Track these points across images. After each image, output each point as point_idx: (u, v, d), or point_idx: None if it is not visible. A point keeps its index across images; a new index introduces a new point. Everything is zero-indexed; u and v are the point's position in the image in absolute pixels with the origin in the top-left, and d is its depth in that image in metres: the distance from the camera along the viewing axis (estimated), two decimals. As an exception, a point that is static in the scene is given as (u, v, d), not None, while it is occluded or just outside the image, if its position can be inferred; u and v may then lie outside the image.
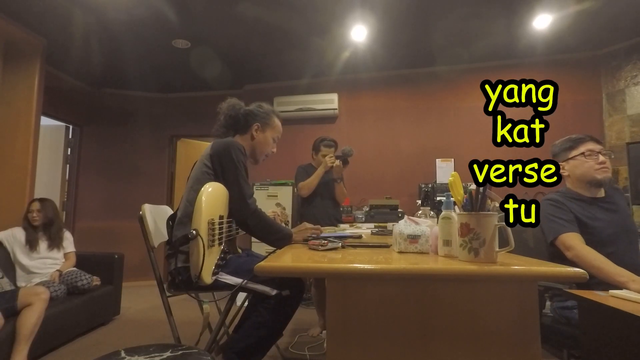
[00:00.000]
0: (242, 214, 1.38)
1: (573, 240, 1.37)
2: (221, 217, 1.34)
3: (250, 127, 1.60)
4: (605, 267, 1.24)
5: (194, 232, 1.18)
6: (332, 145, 2.64)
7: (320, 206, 2.61)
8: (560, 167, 1.57)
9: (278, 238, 1.40)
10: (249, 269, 1.39)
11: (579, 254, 1.32)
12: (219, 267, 1.35)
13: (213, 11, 2.77)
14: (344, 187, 2.64)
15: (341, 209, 3.69)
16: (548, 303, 1.49)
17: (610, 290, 1.01)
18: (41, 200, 2.64)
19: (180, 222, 1.38)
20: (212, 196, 1.28)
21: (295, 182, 2.63)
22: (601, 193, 1.52)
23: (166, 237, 1.45)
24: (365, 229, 1.99)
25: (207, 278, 1.24)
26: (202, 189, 1.25)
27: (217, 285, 1.34)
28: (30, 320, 1.96)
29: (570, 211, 1.44)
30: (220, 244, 1.34)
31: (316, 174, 2.53)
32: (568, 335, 1.32)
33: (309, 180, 2.54)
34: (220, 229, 1.33)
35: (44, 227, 2.59)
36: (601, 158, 1.46)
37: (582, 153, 1.50)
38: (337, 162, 2.46)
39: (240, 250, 1.52)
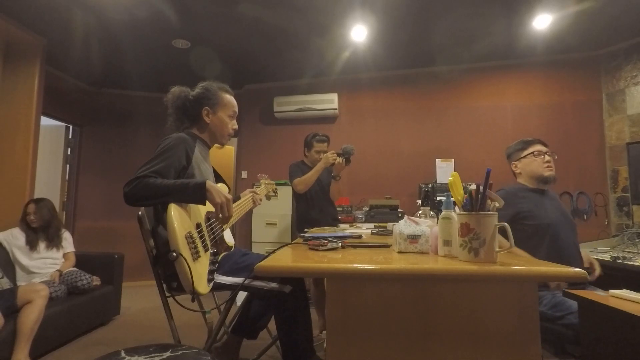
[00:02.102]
0: (124, 188, 1.22)
1: None
2: (198, 225, 1.30)
3: (201, 113, 1.51)
4: None
5: (174, 254, 1.13)
6: (324, 140, 2.60)
7: (317, 206, 2.55)
8: (513, 165, 1.82)
9: (179, 190, 1.22)
10: (244, 267, 1.38)
11: None
12: (213, 272, 1.33)
13: (213, 11, 2.77)
14: (340, 186, 2.58)
15: (340, 208, 3.70)
16: None
17: (610, 290, 1.01)
18: (37, 201, 2.61)
19: (158, 236, 1.32)
20: (181, 211, 1.22)
21: (290, 178, 2.53)
22: (545, 188, 1.76)
23: None
24: (365, 229, 1.99)
25: (203, 289, 1.22)
26: (167, 212, 1.18)
27: (215, 287, 1.34)
28: (31, 318, 1.97)
29: (515, 205, 1.62)
30: (206, 250, 1.30)
31: (315, 170, 2.42)
32: (567, 335, 1.32)
33: (307, 176, 2.43)
34: (202, 236, 1.29)
35: (42, 229, 2.58)
36: (547, 158, 1.71)
37: (532, 153, 1.73)
38: (340, 159, 2.38)
39: (231, 245, 1.48)
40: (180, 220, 1.20)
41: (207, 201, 1.27)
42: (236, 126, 1.61)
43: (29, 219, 2.54)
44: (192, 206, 1.31)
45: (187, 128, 1.54)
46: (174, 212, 1.19)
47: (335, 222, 2.58)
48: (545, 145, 1.77)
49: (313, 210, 2.54)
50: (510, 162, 1.85)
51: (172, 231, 1.16)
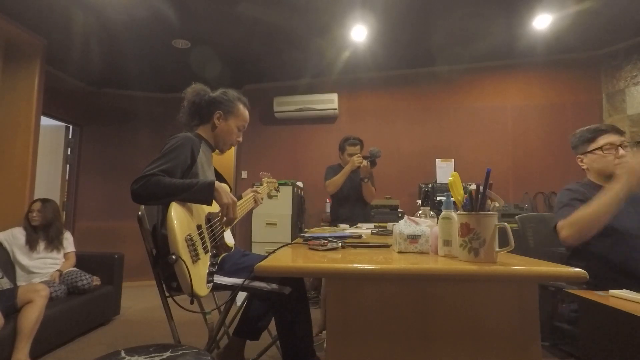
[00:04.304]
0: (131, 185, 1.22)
1: (565, 219, 1.29)
2: (199, 227, 1.29)
3: (212, 115, 1.53)
4: (596, 202, 1.20)
5: (173, 257, 1.12)
6: (356, 144, 2.71)
7: (349, 206, 2.69)
8: (579, 159, 1.51)
9: (187, 189, 1.23)
10: (243, 267, 1.38)
11: (571, 221, 1.26)
12: (212, 274, 1.32)
13: (213, 11, 2.77)
14: (371, 187, 2.67)
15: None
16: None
17: (610, 290, 1.01)
18: (43, 200, 2.64)
19: (160, 236, 1.32)
20: (181, 213, 1.21)
21: (324, 180, 2.71)
22: None
23: None
24: (365, 229, 1.98)
25: (202, 291, 1.21)
26: (168, 211, 1.17)
27: (215, 287, 1.33)
28: (31, 318, 1.96)
29: (586, 199, 1.32)
30: (206, 252, 1.30)
31: (342, 172, 2.60)
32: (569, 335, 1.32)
33: (335, 178, 2.60)
34: (202, 238, 1.29)
35: (43, 228, 2.58)
36: (621, 152, 1.36)
37: (601, 147, 1.39)
38: (365, 162, 2.51)
39: (232, 245, 1.48)
40: (180, 222, 1.19)
41: (211, 202, 1.27)
42: (240, 139, 1.62)
43: (31, 216, 2.55)
44: (194, 207, 1.30)
45: (196, 125, 1.56)
46: (175, 213, 1.18)
47: (366, 222, 2.58)
48: (619, 132, 1.41)
49: (343, 209, 2.70)
50: (575, 155, 1.51)
51: (171, 233, 1.15)
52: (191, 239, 1.21)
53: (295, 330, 1.38)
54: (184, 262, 1.14)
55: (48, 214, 2.61)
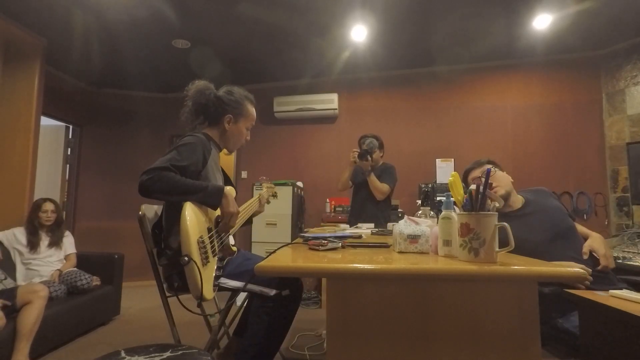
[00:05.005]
0: (140, 176, 1.19)
1: None
2: (210, 230, 1.29)
3: (222, 119, 1.50)
4: None
5: (185, 258, 1.11)
6: (360, 142, 2.71)
7: (359, 207, 2.67)
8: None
9: (198, 191, 1.22)
10: (247, 270, 1.38)
11: None
12: (218, 278, 1.32)
13: (213, 11, 2.77)
14: (375, 181, 2.53)
15: (340, 208, 3.69)
16: None
17: (610, 290, 1.01)
18: (52, 200, 2.67)
19: (172, 232, 1.33)
20: (195, 214, 1.20)
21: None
22: (517, 204, 1.54)
23: None
24: (365, 229, 1.98)
25: (209, 294, 1.21)
26: (182, 212, 1.16)
27: (218, 289, 1.34)
28: (30, 319, 1.96)
29: None
30: (214, 255, 1.30)
31: (343, 169, 2.66)
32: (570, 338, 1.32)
33: (340, 176, 2.66)
34: (212, 242, 1.29)
35: (51, 228, 2.60)
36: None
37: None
38: (353, 156, 2.51)
39: (235, 249, 1.49)
40: (194, 223, 1.18)
41: (217, 208, 1.27)
42: (249, 137, 1.61)
43: (45, 217, 2.57)
44: (205, 209, 1.29)
45: (200, 124, 1.53)
46: (189, 213, 1.16)
47: (371, 219, 2.47)
48: (480, 165, 1.70)
49: (356, 212, 2.68)
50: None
51: (185, 234, 1.13)
52: (202, 242, 1.20)
53: (279, 332, 1.35)
54: (196, 264, 1.13)
55: (60, 214, 2.66)
